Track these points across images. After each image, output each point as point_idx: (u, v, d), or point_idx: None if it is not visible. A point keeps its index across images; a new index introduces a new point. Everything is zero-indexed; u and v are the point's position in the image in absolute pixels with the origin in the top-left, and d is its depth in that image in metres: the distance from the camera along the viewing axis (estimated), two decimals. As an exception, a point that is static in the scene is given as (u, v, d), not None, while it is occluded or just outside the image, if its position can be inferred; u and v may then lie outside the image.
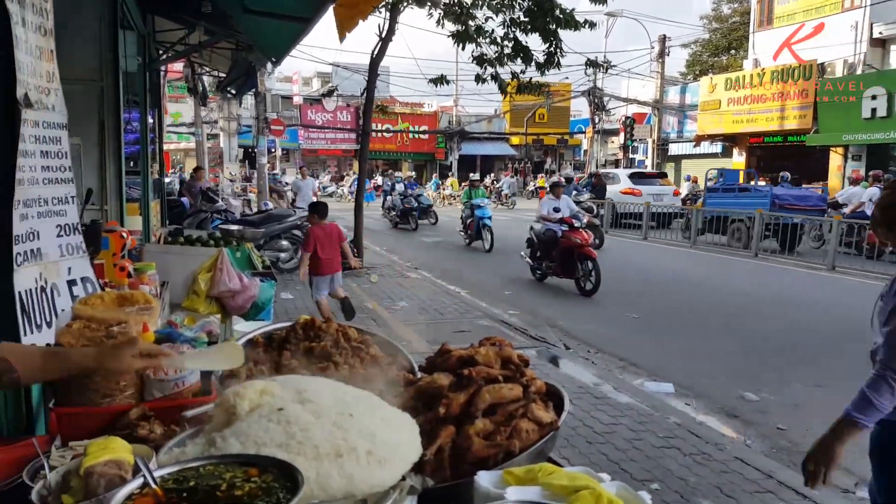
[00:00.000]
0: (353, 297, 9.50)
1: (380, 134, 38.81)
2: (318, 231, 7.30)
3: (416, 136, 43.00)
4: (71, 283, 2.88)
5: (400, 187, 23.36)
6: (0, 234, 2.54)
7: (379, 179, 32.65)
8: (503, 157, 44.58)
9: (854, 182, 16.46)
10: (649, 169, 27.27)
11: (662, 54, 29.02)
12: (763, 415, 5.47)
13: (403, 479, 1.36)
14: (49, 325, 2.58)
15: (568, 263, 10.40)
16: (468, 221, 16.23)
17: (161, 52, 8.77)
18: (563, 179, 17.64)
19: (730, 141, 26.68)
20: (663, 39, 29.02)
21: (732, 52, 37.16)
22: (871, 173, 16.38)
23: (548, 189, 12.95)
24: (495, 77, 12.10)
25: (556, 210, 10.94)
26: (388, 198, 22.84)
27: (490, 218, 15.65)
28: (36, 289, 2.61)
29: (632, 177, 21.33)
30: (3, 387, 1.41)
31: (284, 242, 11.43)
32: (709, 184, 18.06)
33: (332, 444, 1.25)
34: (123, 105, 5.30)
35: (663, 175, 23.48)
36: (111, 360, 1.43)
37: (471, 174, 24.94)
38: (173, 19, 7.69)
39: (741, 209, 15.44)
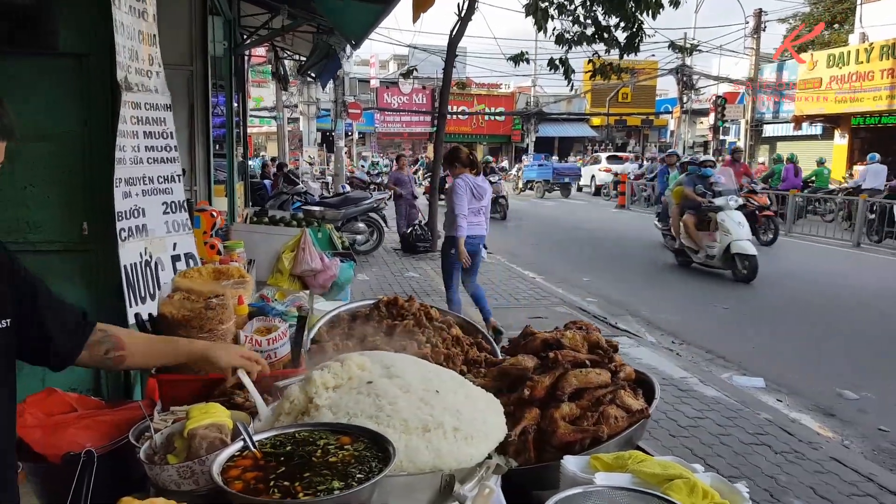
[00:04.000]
0: (427, 279, 9.58)
1: (455, 116, 38.69)
2: None
3: (492, 117, 42.57)
4: (175, 258, 3.01)
5: None
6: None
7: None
8: (583, 138, 43.52)
9: (650, 160, 25.09)
10: (741, 150, 26.30)
11: (758, 29, 27.34)
12: (863, 414, 5.13)
13: (489, 457, 1.35)
14: (153, 297, 2.71)
15: None
16: None
17: (245, 36, 9.02)
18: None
19: (831, 122, 24.90)
20: (759, 14, 27.37)
21: (836, 26, 34.74)
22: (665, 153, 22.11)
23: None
24: (563, 62, 11.77)
25: None
26: None
27: None
28: (140, 263, 2.75)
29: (608, 158, 30.66)
30: (109, 366, 1.49)
31: (361, 224, 11.61)
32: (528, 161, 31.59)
33: (420, 419, 1.25)
34: (211, 89, 5.45)
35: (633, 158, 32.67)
36: (220, 353, 1.50)
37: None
38: (257, 4, 7.89)
39: (540, 177, 28.29)
